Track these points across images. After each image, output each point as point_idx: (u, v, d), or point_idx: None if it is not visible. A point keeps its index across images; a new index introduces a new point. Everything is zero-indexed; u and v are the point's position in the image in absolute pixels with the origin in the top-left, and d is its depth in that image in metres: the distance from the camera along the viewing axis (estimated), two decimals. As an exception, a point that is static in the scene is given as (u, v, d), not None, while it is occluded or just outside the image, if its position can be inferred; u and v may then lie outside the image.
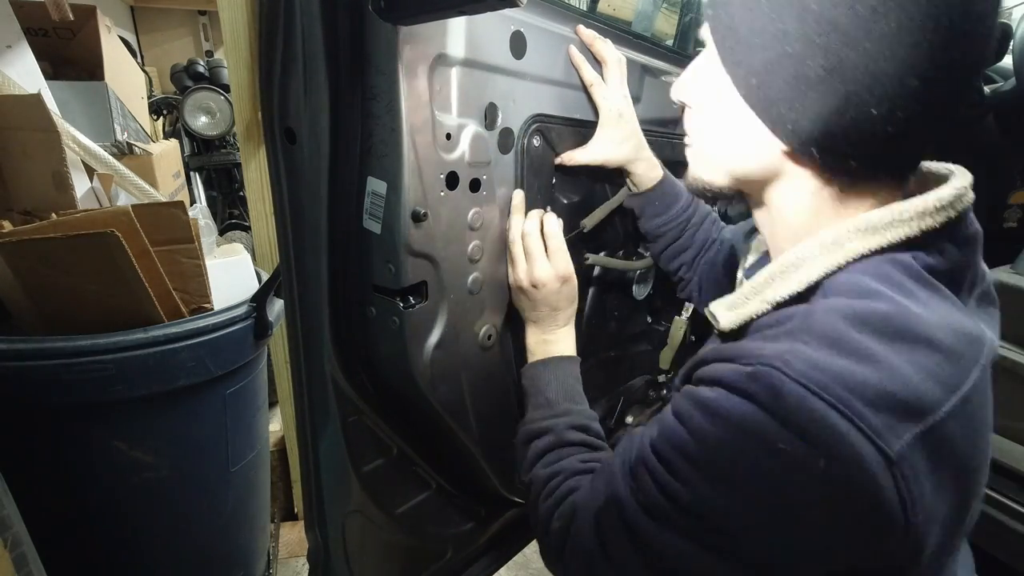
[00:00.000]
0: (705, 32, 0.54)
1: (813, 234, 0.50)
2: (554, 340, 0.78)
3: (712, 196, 0.61)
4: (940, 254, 0.48)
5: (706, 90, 0.56)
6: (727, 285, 0.84)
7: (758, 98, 0.49)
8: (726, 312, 0.55)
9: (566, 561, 0.58)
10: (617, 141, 0.84)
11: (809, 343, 0.43)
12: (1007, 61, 1.76)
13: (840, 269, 0.48)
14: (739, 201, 0.61)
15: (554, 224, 0.77)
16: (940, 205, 0.47)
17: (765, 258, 0.69)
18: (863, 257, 0.48)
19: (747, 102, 0.50)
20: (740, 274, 0.73)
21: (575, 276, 0.77)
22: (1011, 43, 1.64)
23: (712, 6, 0.52)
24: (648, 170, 0.89)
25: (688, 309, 1.11)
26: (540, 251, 0.75)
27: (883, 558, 0.44)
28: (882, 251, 0.47)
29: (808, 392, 0.41)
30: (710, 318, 0.57)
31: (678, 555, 0.47)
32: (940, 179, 0.51)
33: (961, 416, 0.43)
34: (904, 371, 0.42)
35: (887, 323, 0.43)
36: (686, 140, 0.63)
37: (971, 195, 0.49)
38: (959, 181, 0.49)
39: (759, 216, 0.59)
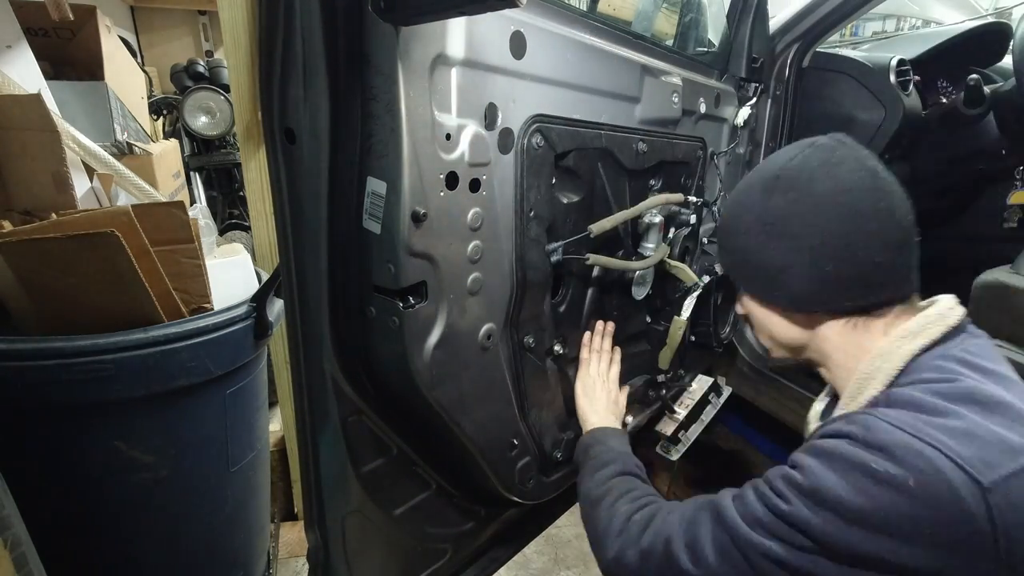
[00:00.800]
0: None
1: (863, 359, 0.65)
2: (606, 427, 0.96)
3: (784, 362, 0.80)
4: (963, 345, 0.60)
5: (747, 306, 0.78)
6: None
7: (787, 301, 0.70)
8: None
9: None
10: None
11: (892, 409, 0.54)
12: (1007, 61, 1.75)
13: (900, 374, 0.60)
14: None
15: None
16: (950, 307, 0.63)
17: (832, 401, 0.82)
18: (914, 357, 0.60)
19: (779, 305, 0.72)
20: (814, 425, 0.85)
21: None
22: (1011, 43, 1.64)
23: (722, 263, 0.75)
24: None
25: (687, 309, 1.11)
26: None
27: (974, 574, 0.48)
28: (925, 351, 0.60)
29: (896, 428, 0.50)
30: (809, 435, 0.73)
31: (774, 558, 0.54)
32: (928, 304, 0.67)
33: None
34: (986, 425, 0.49)
35: (961, 392, 0.53)
36: (756, 333, 0.82)
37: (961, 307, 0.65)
38: (948, 299, 0.65)
39: (823, 371, 0.75)
